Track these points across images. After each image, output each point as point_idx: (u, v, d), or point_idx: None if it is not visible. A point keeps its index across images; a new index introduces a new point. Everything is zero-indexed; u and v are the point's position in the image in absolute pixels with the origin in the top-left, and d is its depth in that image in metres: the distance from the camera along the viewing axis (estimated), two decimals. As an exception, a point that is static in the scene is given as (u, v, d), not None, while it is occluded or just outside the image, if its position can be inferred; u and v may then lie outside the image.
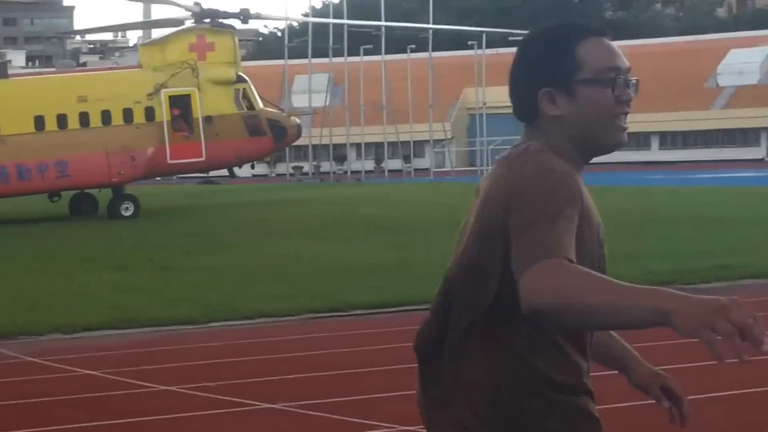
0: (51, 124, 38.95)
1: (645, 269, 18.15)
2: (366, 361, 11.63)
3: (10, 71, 42.83)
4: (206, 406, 9.66)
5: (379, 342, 12.86)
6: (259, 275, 19.17)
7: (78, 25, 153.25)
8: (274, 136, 41.19)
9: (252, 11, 42.41)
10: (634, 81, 3.15)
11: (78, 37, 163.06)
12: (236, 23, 42.46)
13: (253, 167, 44.97)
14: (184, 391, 10.29)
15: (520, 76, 3.17)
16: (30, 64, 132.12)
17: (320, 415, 9.09)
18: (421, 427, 3.24)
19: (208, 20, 41.30)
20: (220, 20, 41.56)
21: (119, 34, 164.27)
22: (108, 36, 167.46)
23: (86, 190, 40.86)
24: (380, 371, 11.02)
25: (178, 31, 42.56)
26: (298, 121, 44.87)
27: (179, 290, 17.42)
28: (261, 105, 41.64)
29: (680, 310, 2.59)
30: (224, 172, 45.93)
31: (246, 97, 40.71)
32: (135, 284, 18.52)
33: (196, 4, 42.11)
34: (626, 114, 3.13)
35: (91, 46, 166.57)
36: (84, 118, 39.13)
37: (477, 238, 3.06)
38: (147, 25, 49.98)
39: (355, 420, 8.98)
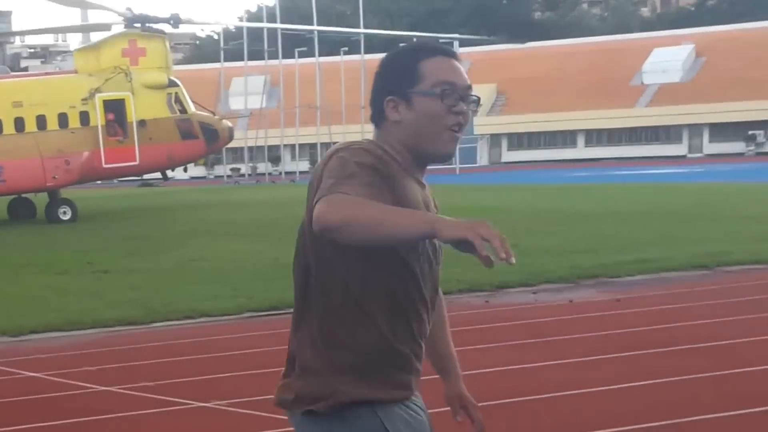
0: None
1: (570, 263, 18.60)
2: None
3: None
4: (144, 405, 9.75)
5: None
6: (199, 276, 19.34)
7: (16, 29, 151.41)
8: (207, 140, 41.18)
9: (183, 16, 42.36)
10: (474, 98, 3.46)
11: (18, 41, 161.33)
12: (167, 28, 42.40)
13: (185, 170, 44.90)
14: (123, 391, 10.39)
15: (374, 86, 3.53)
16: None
17: (252, 414, 9.20)
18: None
19: (138, 25, 41.25)
20: (150, 25, 41.53)
21: (59, 38, 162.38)
22: (49, 40, 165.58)
23: (23, 195, 40.77)
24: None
25: (110, 37, 42.42)
26: (230, 124, 44.88)
27: (121, 292, 17.49)
28: (193, 109, 41.64)
29: (447, 222, 2.99)
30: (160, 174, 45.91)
31: (178, 100, 40.72)
32: (77, 287, 18.60)
33: (128, 9, 42.08)
34: (460, 126, 3.42)
35: (32, 50, 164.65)
36: (19, 123, 39.02)
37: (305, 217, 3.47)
38: (81, 28, 49.72)
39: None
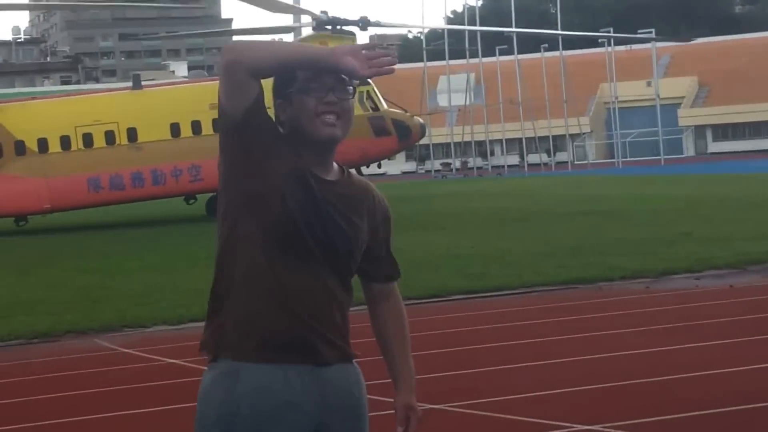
0: (186, 130, 39.55)
1: (739, 250, 18.09)
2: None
3: (176, 80, 43.73)
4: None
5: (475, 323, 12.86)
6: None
7: (236, 37, 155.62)
8: (399, 136, 41.27)
9: (372, 18, 42.46)
10: (348, 87, 3.74)
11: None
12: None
13: (379, 166, 45.19)
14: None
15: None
16: (192, 74, 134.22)
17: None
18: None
19: (329, 27, 41.50)
20: (340, 27, 41.72)
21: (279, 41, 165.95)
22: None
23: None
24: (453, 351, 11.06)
25: (302, 39, 42.81)
26: (422, 120, 44.86)
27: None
28: (385, 106, 41.69)
29: (339, 48, 3.58)
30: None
31: (370, 98, 40.83)
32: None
33: (323, 12, 42.34)
34: (332, 114, 3.68)
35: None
36: (216, 124, 39.58)
37: None
38: (269, 30, 50.35)
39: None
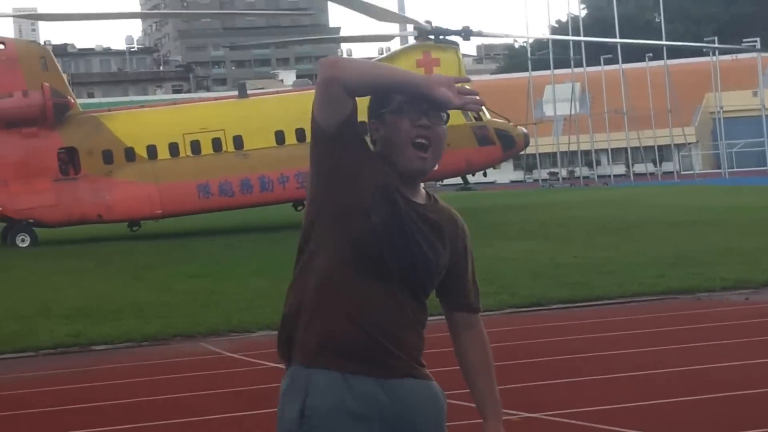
0: (290, 138, 39.93)
1: None
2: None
3: (281, 89, 44.05)
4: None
5: (576, 333, 12.84)
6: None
7: (344, 44, 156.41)
8: (503, 145, 41.23)
9: (474, 29, 42.50)
10: (441, 114, 3.74)
11: (345, 56, 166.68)
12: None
13: (485, 174, 45.19)
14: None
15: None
16: (296, 83, 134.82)
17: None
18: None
19: (432, 37, 41.57)
20: (443, 37, 41.77)
21: (384, 50, 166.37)
22: (373, 53, 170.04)
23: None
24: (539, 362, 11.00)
25: (405, 48, 42.97)
26: (524, 130, 44.69)
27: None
28: (488, 116, 41.65)
29: (435, 77, 3.66)
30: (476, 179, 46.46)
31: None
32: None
33: (427, 21, 42.47)
34: (424, 138, 3.71)
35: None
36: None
37: None
38: (369, 38, 50.67)
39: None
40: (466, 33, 42.37)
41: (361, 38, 47.81)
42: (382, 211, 3.66)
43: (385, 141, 3.75)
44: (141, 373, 11.74)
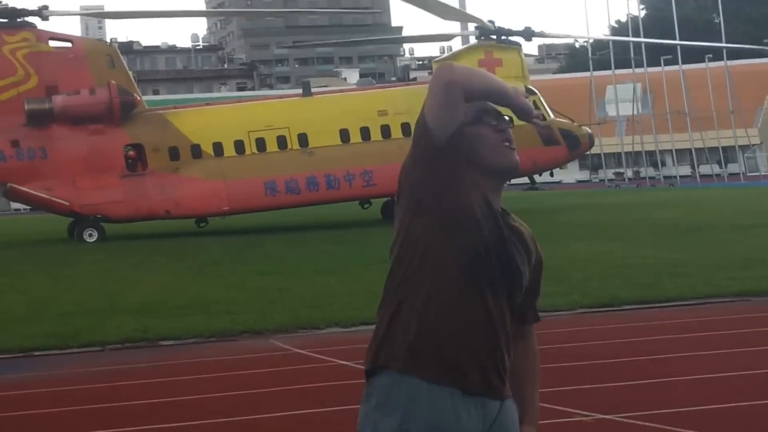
0: (355, 136, 39.95)
1: None
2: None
3: (345, 87, 44.23)
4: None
5: (647, 334, 12.63)
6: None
7: (406, 45, 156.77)
8: (568, 146, 41.10)
9: (536, 29, 42.41)
10: (505, 117, 3.79)
11: (407, 55, 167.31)
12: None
13: (552, 174, 45.15)
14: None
15: None
16: (360, 82, 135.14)
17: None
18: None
19: (494, 37, 41.49)
20: (506, 37, 41.68)
21: (446, 50, 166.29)
22: (434, 51, 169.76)
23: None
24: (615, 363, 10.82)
25: (467, 48, 42.98)
26: (589, 130, 44.48)
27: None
28: (552, 116, 41.46)
29: (518, 89, 3.74)
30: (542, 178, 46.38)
31: (537, 108, 40.64)
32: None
33: (490, 21, 42.38)
34: (508, 141, 3.72)
35: (420, 62, 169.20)
36: (385, 131, 39.95)
37: None
38: (428, 38, 50.77)
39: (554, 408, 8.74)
40: (528, 33, 42.25)
41: (424, 38, 47.74)
42: (488, 223, 3.62)
43: (471, 152, 3.66)
44: (208, 370, 11.66)
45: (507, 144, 3.71)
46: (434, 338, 3.57)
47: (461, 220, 3.59)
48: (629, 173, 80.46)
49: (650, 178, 76.98)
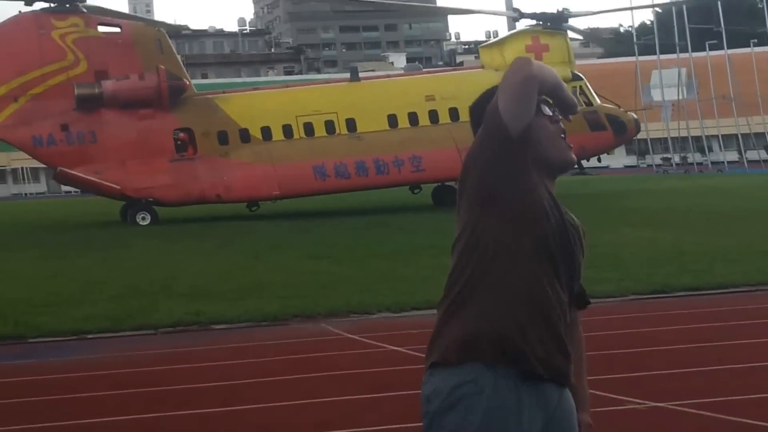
0: (403, 121, 39.92)
1: None
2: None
3: (392, 72, 44.31)
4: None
5: (700, 321, 12.57)
6: (592, 261, 18.79)
7: (453, 28, 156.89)
8: (615, 131, 40.92)
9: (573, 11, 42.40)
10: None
11: (453, 39, 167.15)
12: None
13: (599, 160, 44.99)
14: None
15: None
16: (407, 67, 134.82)
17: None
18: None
19: (540, 22, 41.44)
20: (549, 22, 41.59)
21: (491, 34, 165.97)
22: (481, 36, 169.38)
23: (447, 183, 41.60)
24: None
25: (514, 33, 42.93)
26: (635, 116, 44.27)
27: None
28: (598, 101, 41.28)
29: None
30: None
31: (583, 93, 40.65)
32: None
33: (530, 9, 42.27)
34: (563, 133, 3.75)
35: (466, 46, 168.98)
36: (433, 116, 39.90)
37: None
38: (470, 10, 50.68)
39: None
40: (566, 16, 42.22)
41: (470, 11, 47.46)
42: (554, 215, 3.67)
43: (535, 144, 3.66)
44: (260, 354, 11.69)
45: (563, 136, 3.74)
46: (505, 327, 3.57)
47: (532, 211, 3.61)
48: (676, 159, 79.89)
49: (698, 163, 76.41)
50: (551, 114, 3.72)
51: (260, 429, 8.45)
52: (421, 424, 3.60)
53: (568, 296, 3.69)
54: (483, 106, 3.72)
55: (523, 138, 3.56)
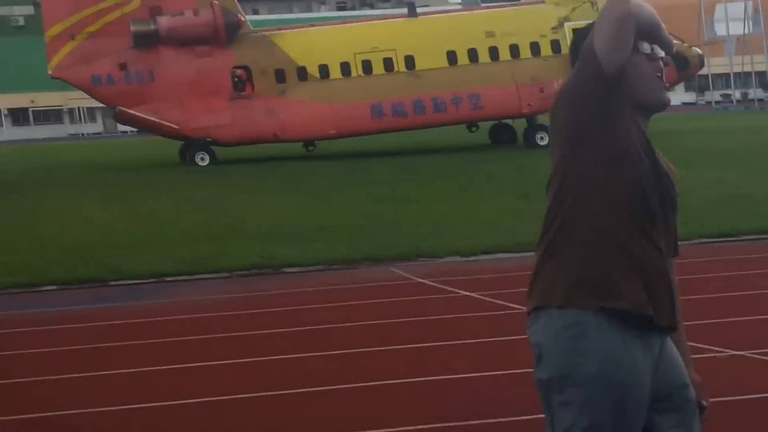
0: (463, 58, 39.73)
1: None
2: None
3: (449, 8, 43.63)
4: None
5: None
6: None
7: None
8: (677, 67, 40.38)
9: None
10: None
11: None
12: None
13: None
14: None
15: None
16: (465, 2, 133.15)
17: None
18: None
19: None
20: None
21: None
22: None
23: (504, 121, 41.41)
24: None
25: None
26: (699, 51, 43.65)
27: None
28: (662, 36, 40.81)
29: None
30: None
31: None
32: (534, 211, 18.42)
33: (602, -60, 41.61)
34: (660, 72, 3.66)
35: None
36: (493, 52, 39.67)
37: None
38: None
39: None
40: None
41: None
42: (649, 159, 3.61)
43: (628, 83, 3.57)
44: (332, 299, 11.75)
45: (659, 75, 3.65)
46: (607, 271, 3.54)
47: (626, 152, 3.56)
48: (737, 95, 78.84)
49: (759, 100, 75.36)
50: (649, 52, 3.64)
51: (343, 374, 8.40)
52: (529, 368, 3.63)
53: (666, 241, 3.66)
54: (580, 42, 3.65)
55: (618, 76, 3.50)
